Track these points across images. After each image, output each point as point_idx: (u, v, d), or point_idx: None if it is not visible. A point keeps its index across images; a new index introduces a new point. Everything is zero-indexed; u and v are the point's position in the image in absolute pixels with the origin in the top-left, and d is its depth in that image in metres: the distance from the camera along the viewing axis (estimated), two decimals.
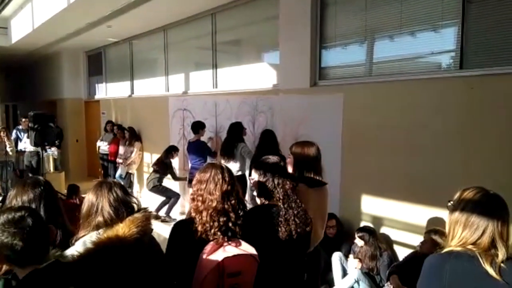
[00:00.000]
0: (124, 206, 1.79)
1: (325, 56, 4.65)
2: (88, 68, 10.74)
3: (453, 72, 3.48)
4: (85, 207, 1.81)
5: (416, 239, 3.53)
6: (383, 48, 4.20)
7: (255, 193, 2.29)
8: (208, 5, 6.06)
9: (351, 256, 3.94)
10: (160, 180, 6.68)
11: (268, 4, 5.31)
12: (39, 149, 7.56)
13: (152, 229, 1.84)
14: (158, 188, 6.65)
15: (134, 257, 1.65)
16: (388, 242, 3.96)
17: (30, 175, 7.49)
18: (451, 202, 1.54)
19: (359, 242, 3.89)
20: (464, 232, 1.45)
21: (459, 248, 1.45)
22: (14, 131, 8.90)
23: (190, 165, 6.30)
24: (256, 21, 5.69)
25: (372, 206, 4.07)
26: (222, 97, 6.06)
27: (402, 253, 3.80)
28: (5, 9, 8.76)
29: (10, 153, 7.93)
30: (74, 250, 1.65)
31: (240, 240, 1.91)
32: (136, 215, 1.75)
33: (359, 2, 4.25)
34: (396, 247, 3.92)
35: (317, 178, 2.60)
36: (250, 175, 2.95)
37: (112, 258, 1.58)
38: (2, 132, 7.94)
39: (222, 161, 5.08)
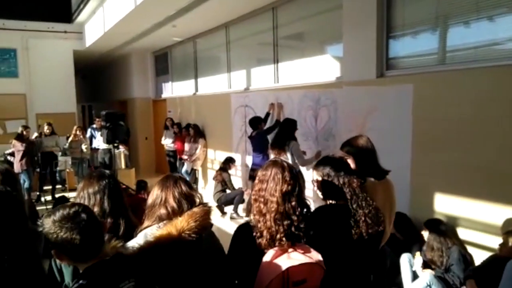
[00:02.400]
0: (187, 200, 1.80)
1: (393, 46, 4.38)
2: (155, 68, 11.21)
3: None
4: (150, 198, 1.84)
5: (494, 241, 3.21)
6: (457, 35, 3.86)
7: (319, 194, 2.17)
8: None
9: (417, 253, 3.69)
10: (224, 192, 6.88)
11: None
12: (111, 146, 8.03)
13: (211, 224, 1.81)
14: (223, 201, 6.83)
15: (192, 252, 1.63)
16: (456, 236, 3.65)
17: None
18: None
19: (424, 233, 3.65)
20: None
21: None
22: (89, 130, 9.52)
23: (251, 160, 6.31)
24: (318, 13, 5.53)
25: (445, 204, 3.76)
26: (284, 92, 5.98)
27: (479, 255, 3.46)
28: (80, 15, 9.41)
29: (85, 150, 8.48)
30: (135, 242, 1.67)
31: (306, 246, 1.79)
32: (195, 209, 1.73)
33: None
34: (472, 249, 3.59)
35: (378, 168, 2.44)
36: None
37: (170, 252, 1.58)
38: (78, 131, 8.53)
39: (272, 155, 5.05)
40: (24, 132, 7.91)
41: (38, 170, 8.45)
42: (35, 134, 8.38)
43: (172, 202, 1.77)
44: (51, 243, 1.40)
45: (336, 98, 4.94)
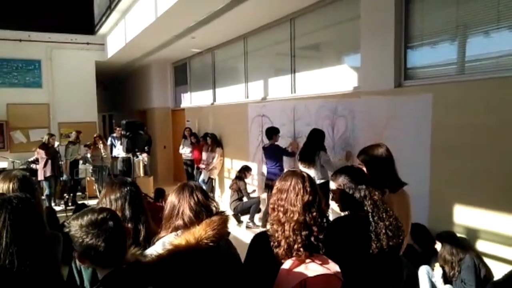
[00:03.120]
0: (204, 210, 1.81)
1: (411, 56, 4.36)
2: (175, 79, 11.39)
3: None
4: (167, 209, 1.85)
5: None
6: (477, 45, 3.83)
7: (334, 205, 2.16)
8: (287, 11, 6.08)
9: (436, 264, 3.62)
10: (240, 200, 6.91)
11: (348, 5, 5.16)
12: (130, 155, 8.17)
13: (229, 233, 1.83)
14: (239, 210, 6.85)
15: (210, 260, 1.65)
16: (471, 248, 3.58)
17: None
18: None
19: (438, 245, 3.60)
20: None
21: None
22: (110, 138, 9.71)
23: (266, 170, 6.33)
24: (336, 24, 5.55)
25: (465, 215, 3.69)
26: (301, 102, 6.00)
27: (500, 269, 3.38)
28: (102, 27, 9.68)
29: (104, 156, 8.65)
30: (154, 250, 1.69)
31: (324, 257, 1.77)
32: (213, 218, 1.75)
33: None
34: (493, 262, 3.51)
35: (396, 180, 2.42)
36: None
37: (188, 260, 1.59)
38: (97, 140, 8.72)
39: (301, 167, 5.00)
40: (50, 140, 8.15)
41: (64, 178, 8.69)
42: (56, 143, 8.58)
43: (189, 213, 1.78)
44: (76, 246, 1.42)
45: (353, 107, 4.94)
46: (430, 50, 4.29)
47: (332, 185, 2.14)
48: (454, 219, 3.79)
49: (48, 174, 7.89)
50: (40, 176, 7.81)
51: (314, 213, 1.78)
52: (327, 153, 5.12)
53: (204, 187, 8.70)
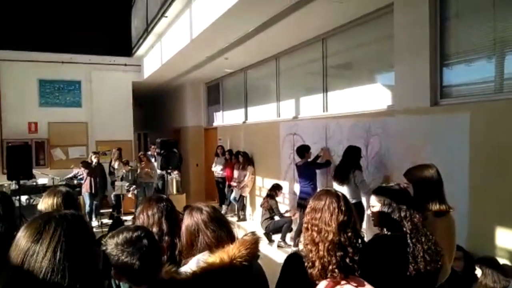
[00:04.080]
0: (223, 226, 1.86)
1: (447, 74, 4.29)
2: (208, 98, 11.64)
3: None
4: (184, 237, 1.88)
5: None
6: None
7: (374, 222, 2.13)
8: (319, 31, 6.14)
9: None
10: (272, 219, 6.90)
11: (381, 24, 5.16)
12: (163, 172, 8.38)
13: (259, 256, 1.83)
14: (271, 229, 6.84)
15: (243, 280, 1.65)
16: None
17: None
18: None
19: (478, 271, 3.43)
20: None
21: None
22: None
23: (299, 188, 6.30)
24: (368, 43, 5.56)
25: (507, 237, 3.53)
26: (333, 120, 5.99)
27: None
28: (139, 49, 10.07)
29: (151, 175, 8.97)
30: (188, 267, 1.72)
31: (360, 279, 1.71)
32: (246, 237, 1.76)
33: (485, 13, 3.87)
34: None
35: (442, 204, 2.34)
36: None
37: (221, 279, 1.60)
38: (142, 157, 9.07)
39: (335, 185, 4.95)
40: (93, 158, 8.56)
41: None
42: (95, 160, 8.88)
43: (206, 231, 1.82)
44: (112, 263, 1.47)
45: (387, 126, 4.87)
46: (467, 67, 4.21)
47: (374, 201, 2.10)
48: (496, 243, 3.63)
49: (88, 190, 8.25)
50: (83, 192, 8.28)
51: (349, 233, 1.74)
52: (362, 172, 5.04)
53: (236, 205, 8.80)
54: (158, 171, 8.90)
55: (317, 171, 6.09)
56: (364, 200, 5.05)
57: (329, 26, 5.89)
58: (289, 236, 6.77)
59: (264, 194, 7.67)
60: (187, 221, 1.88)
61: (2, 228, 2.22)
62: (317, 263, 1.71)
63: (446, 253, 2.21)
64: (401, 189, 2.06)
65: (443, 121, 4.09)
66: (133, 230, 1.56)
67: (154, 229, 2.02)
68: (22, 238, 1.03)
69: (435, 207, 2.31)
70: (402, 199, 2.00)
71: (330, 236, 1.72)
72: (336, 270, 1.68)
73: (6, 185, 7.84)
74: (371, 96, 5.45)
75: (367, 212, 2.13)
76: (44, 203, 2.22)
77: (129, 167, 9.21)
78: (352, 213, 1.81)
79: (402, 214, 1.95)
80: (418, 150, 4.27)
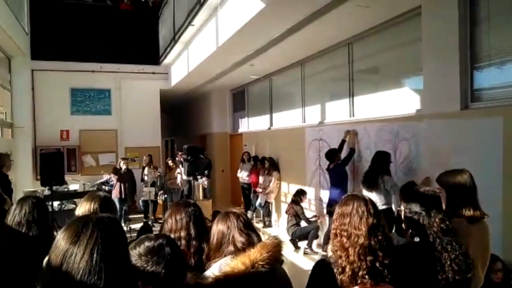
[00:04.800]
0: (254, 233, 1.87)
1: (478, 77, 4.17)
2: (233, 104, 11.74)
3: None
4: (214, 238, 1.90)
5: None
6: None
7: (403, 227, 2.09)
8: (345, 36, 6.10)
9: None
10: (298, 225, 6.85)
11: (408, 27, 5.09)
12: (190, 178, 8.50)
13: (283, 260, 1.83)
14: (297, 235, 6.79)
15: (265, 283, 1.65)
16: None
17: None
18: None
19: None
20: None
21: None
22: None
23: (328, 194, 6.22)
24: (395, 47, 5.49)
25: None
26: (360, 126, 5.92)
27: None
28: (167, 57, 10.27)
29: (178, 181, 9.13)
30: (211, 272, 1.74)
31: (390, 287, 1.68)
32: (267, 241, 1.77)
33: None
34: None
35: (476, 210, 2.27)
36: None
37: (244, 282, 1.61)
38: (170, 162, 9.25)
39: (364, 192, 4.87)
40: (122, 164, 8.79)
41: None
42: (124, 167, 9.07)
43: (240, 238, 1.83)
44: (138, 274, 1.46)
45: (416, 131, 4.78)
46: (498, 70, 4.09)
47: (402, 207, 2.07)
48: None
49: (117, 196, 8.47)
50: (112, 197, 8.46)
51: (380, 237, 1.71)
52: (391, 177, 4.94)
53: (261, 211, 8.80)
54: (184, 177, 9.02)
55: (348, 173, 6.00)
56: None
57: (355, 30, 5.85)
58: (315, 243, 6.71)
59: (289, 200, 7.64)
60: (221, 225, 1.90)
61: (36, 231, 2.30)
62: (347, 269, 1.69)
63: (479, 260, 2.14)
64: (431, 194, 2.00)
65: (474, 125, 3.98)
66: (154, 239, 1.56)
67: (182, 234, 2.05)
68: (61, 240, 1.07)
69: (469, 213, 2.24)
70: (431, 204, 1.96)
71: (361, 240, 1.69)
72: (367, 276, 1.65)
73: (39, 191, 8.10)
74: (399, 101, 5.36)
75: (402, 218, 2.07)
76: (82, 208, 2.29)
77: (158, 173, 9.38)
78: (380, 216, 1.78)
79: (426, 221, 1.91)
80: (448, 154, 4.17)
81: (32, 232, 2.30)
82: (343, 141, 6.04)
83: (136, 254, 1.49)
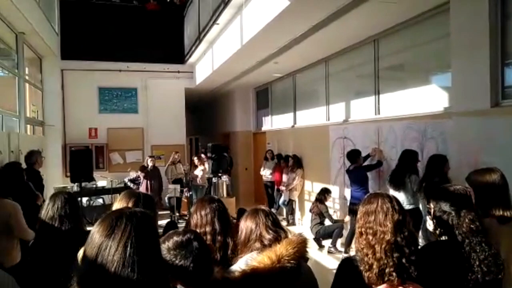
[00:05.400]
0: (282, 230, 1.89)
1: (509, 73, 4.05)
2: (256, 103, 11.77)
3: None
4: (243, 234, 1.93)
5: None
6: None
7: (430, 227, 2.06)
8: (370, 32, 6.03)
9: None
10: (322, 224, 6.81)
11: (436, 23, 4.98)
12: (211, 175, 8.62)
13: (307, 258, 1.85)
14: (321, 234, 6.75)
15: (291, 279, 1.67)
16: None
17: None
18: None
19: None
20: None
21: None
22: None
23: (350, 193, 6.18)
24: (423, 43, 5.38)
25: None
26: (386, 124, 5.83)
27: None
28: (191, 56, 10.40)
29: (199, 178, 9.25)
30: (237, 266, 1.77)
31: (418, 286, 1.66)
32: (292, 237, 1.79)
33: None
34: None
35: (506, 210, 2.21)
36: None
37: (270, 277, 1.63)
38: (196, 160, 9.39)
39: (391, 191, 4.79)
40: (149, 161, 8.97)
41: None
42: (150, 164, 9.25)
43: (268, 236, 1.85)
44: (168, 267, 1.50)
45: (444, 129, 4.68)
46: None
47: (432, 205, 2.04)
48: None
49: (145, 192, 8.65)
50: None
51: (406, 233, 1.69)
52: (419, 176, 4.82)
53: (284, 209, 8.80)
54: (209, 175, 9.12)
55: (369, 175, 5.95)
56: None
57: (381, 27, 5.76)
58: (339, 241, 6.67)
59: (313, 198, 7.61)
60: (250, 221, 1.92)
61: (68, 225, 2.40)
62: (374, 266, 1.67)
63: (510, 262, 2.09)
64: (462, 193, 1.96)
65: (505, 123, 3.86)
66: (183, 234, 1.60)
67: (208, 229, 2.08)
68: (96, 233, 1.11)
69: (499, 213, 2.19)
70: (461, 203, 1.92)
71: (387, 237, 1.68)
72: (394, 274, 1.63)
73: (69, 187, 8.37)
74: (426, 98, 5.26)
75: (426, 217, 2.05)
76: (119, 204, 2.32)
77: (184, 171, 9.54)
78: (405, 213, 1.77)
79: (457, 218, 1.87)
80: (478, 153, 4.06)
81: (64, 226, 2.40)
82: (368, 156, 6.01)
83: (165, 249, 1.52)
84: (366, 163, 5.99)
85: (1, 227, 3.34)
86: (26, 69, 8.21)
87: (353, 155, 5.96)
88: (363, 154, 6.02)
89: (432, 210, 2.01)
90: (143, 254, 1.08)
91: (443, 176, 4.59)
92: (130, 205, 2.12)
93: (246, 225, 1.93)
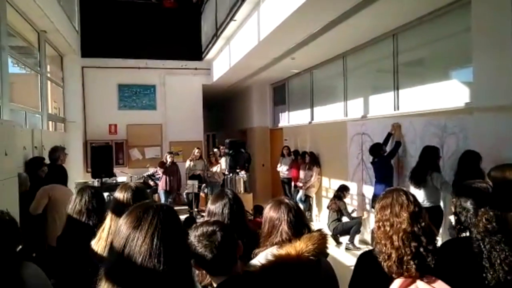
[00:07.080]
0: (303, 226, 1.90)
1: None
2: (273, 99, 11.76)
3: None
4: (266, 225, 1.96)
5: None
6: None
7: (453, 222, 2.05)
8: (389, 27, 5.96)
9: None
10: (339, 221, 6.78)
11: (456, 17, 4.90)
12: (226, 172, 8.69)
13: (327, 254, 1.86)
14: (339, 230, 6.73)
15: (311, 274, 1.69)
16: None
17: None
18: None
19: None
20: None
21: None
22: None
23: (373, 188, 6.12)
24: (443, 37, 5.29)
25: None
26: (405, 119, 5.77)
27: None
28: (209, 53, 10.45)
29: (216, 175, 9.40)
30: (257, 260, 1.81)
31: (437, 280, 1.66)
32: (313, 233, 1.82)
33: None
34: None
35: None
36: None
37: (290, 271, 1.66)
38: (212, 157, 9.50)
39: (411, 189, 4.70)
40: (168, 158, 9.12)
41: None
42: (169, 160, 9.35)
43: (288, 230, 1.87)
44: (192, 254, 1.58)
45: (465, 125, 4.61)
46: None
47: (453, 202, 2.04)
48: None
49: (164, 188, 8.86)
50: (159, 189, 9.01)
51: (423, 224, 1.73)
52: (441, 173, 4.72)
53: (301, 205, 8.80)
54: (227, 171, 9.18)
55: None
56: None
57: (400, 21, 5.69)
58: (357, 238, 6.64)
59: (330, 195, 7.59)
60: (273, 213, 1.95)
61: (96, 219, 2.45)
62: (393, 255, 1.71)
63: None
64: (483, 191, 1.95)
65: None
66: (211, 224, 1.67)
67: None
68: (123, 225, 1.15)
69: None
70: (481, 200, 1.90)
71: (404, 226, 1.72)
72: (411, 262, 1.66)
73: (90, 182, 8.53)
74: (447, 93, 5.18)
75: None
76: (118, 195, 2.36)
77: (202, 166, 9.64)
78: (421, 205, 1.80)
79: (475, 216, 1.86)
80: (499, 149, 3.99)
81: (92, 221, 2.45)
82: (389, 134, 5.92)
83: (193, 235, 1.62)
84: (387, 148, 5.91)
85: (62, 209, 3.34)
86: (48, 66, 8.41)
87: (376, 148, 5.87)
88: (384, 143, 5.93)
89: (453, 206, 2.00)
90: (168, 245, 1.12)
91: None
92: (126, 197, 2.19)
93: (269, 216, 1.96)
